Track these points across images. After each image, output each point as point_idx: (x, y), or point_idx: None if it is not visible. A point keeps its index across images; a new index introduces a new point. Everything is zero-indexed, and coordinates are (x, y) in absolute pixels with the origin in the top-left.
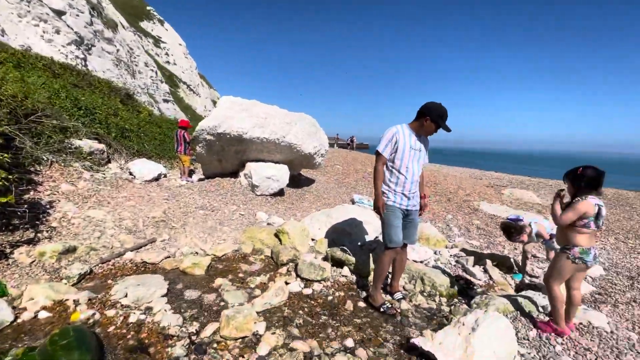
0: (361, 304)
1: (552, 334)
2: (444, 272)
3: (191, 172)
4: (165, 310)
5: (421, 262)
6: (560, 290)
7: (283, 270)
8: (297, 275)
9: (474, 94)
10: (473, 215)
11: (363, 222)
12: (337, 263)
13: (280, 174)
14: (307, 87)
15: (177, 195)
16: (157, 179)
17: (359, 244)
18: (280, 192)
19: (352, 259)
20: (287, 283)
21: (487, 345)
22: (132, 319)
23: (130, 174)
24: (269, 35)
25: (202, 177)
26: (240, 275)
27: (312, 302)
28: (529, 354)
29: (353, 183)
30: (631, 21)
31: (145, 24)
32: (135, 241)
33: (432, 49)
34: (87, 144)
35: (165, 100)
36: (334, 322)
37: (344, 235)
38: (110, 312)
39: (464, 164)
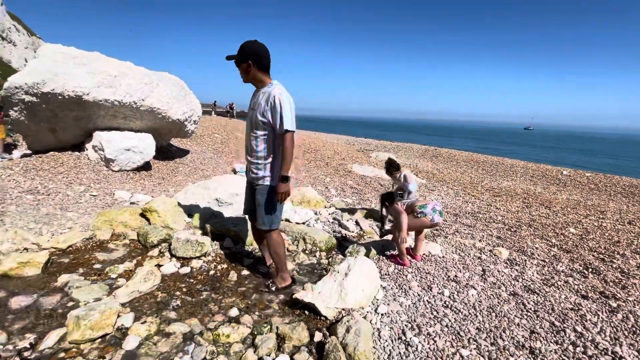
0: (245, 272)
1: (399, 265)
2: (323, 229)
3: (9, 147)
4: None
5: (303, 223)
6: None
7: (154, 252)
8: (172, 255)
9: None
10: (347, 177)
11: (245, 191)
12: (218, 236)
13: (143, 144)
14: (173, 46)
15: None
16: None
17: (242, 213)
18: (146, 166)
19: (234, 229)
20: (159, 265)
21: (357, 286)
22: None
23: None
24: None
25: (28, 152)
26: (97, 266)
27: (192, 280)
28: (389, 285)
29: (234, 152)
30: None
31: None
32: None
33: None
34: None
35: None
36: (217, 295)
37: (224, 206)
38: None
39: (339, 132)
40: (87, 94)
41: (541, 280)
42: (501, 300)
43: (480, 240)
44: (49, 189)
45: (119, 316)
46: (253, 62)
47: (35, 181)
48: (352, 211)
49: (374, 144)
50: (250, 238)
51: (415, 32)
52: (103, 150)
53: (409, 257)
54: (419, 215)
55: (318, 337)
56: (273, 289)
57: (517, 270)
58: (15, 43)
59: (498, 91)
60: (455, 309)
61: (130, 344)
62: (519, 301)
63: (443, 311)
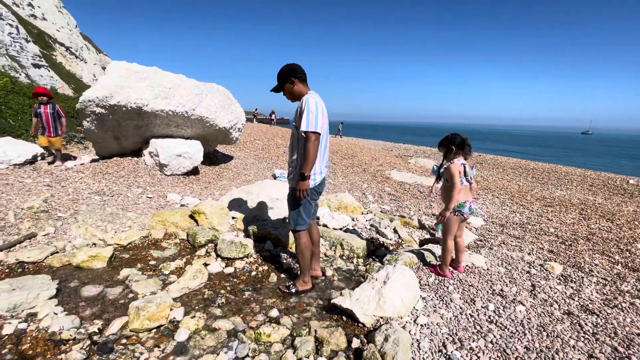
0: (284, 275)
1: (439, 276)
2: (360, 236)
3: (66, 156)
4: (55, 313)
5: (340, 228)
6: (452, 243)
7: (201, 252)
8: (218, 256)
9: (386, 70)
10: (385, 183)
11: (285, 196)
12: (260, 238)
13: (192, 150)
14: (219, 58)
15: (63, 180)
16: (32, 162)
17: (283, 217)
18: (194, 171)
19: (274, 233)
20: (206, 264)
21: (395, 294)
22: (8, 330)
23: None
24: None
25: (96, 157)
26: (152, 262)
27: (235, 280)
28: (429, 296)
29: (274, 158)
30: None
31: None
32: (6, 238)
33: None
34: None
35: (36, 65)
36: (258, 295)
37: (266, 210)
38: None
39: (377, 137)
40: (147, 105)
41: (602, 300)
42: (554, 319)
43: (529, 254)
44: (112, 190)
45: (171, 309)
46: (294, 77)
47: (102, 183)
48: (390, 218)
49: (412, 150)
50: (290, 241)
51: (457, 31)
52: (158, 156)
53: (450, 268)
54: (455, 213)
55: (356, 343)
56: (293, 290)
57: (572, 287)
58: (85, 60)
59: (552, 93)
60: (501, 325)
61: (181, 336)
62: (575, 322)
63: (487, 326)
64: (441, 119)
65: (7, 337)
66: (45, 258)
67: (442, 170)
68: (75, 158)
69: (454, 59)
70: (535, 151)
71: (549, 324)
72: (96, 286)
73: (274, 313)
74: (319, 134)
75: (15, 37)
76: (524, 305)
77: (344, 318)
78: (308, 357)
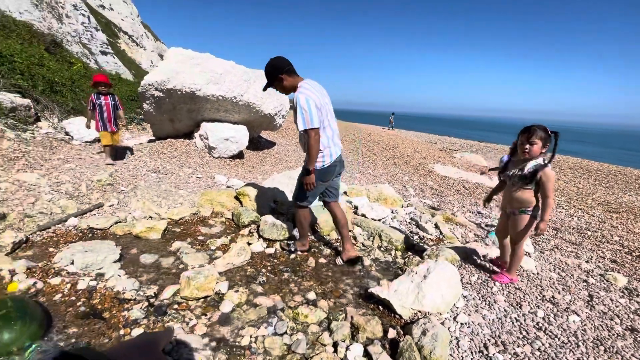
0: (322, 260)
1: (506, 282)
2: (399, 229)
3: (124, 150)
4: (119, 275)
5: (379, 220)
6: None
7: (245, 231)
8: (260, 236)
9: (432, 61)
10: (427, 177)
11: None
12: None
13: (239, 135)
14: (271, 45)
15: (125, 157)
16: (100, 139)
17: (321, 203)
18: (240, 155)
19: (315, 218)
20: (249, 244)
21: (436, 290)
22: (82, 285)
23: (67, 134)
24: None
25: (152, 138)
26: (200, 238)
27: (275, 260)
28: (471, 295)
29: None
30: None
31: None
32: (79, 206)
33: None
34: (7, 98)
35: (104, 52)
36: (297, 277)
37: None
38: (55, 280)
39: (420, 129)
40: (199, 90)
41: None
42: (613, 334)
43: (587, 262)
44: (167, 169)
45: (217, 282)
46: (281, 73)
47: (157, 162)
48: (431, 213)
49: (458, 144)
50: (326, 228)
51: (512, 19)
52: (207, 139)
53: (494, 267)
54: (537, 217)
55: (392, 334)
56: (292, 249)
57: (638, 302)
58: (145, 48)
59: (624, 85)
60: (550, 333)
61: (225, 307)
62: (639, 339)
63: (535, 333)
64: (490, 112)
65: (81, 291)
66: (110, 226)
67: (528, 168)
68: (126, 151)
69: (509, 47)
70: (600, 151)
71: (608, 339)
72: (152, 255)
73: (311, 296)
74: (317, 128)
75: (87, 27)
76: (578, 315)
77: (380, 308)
78: (344, 341)
